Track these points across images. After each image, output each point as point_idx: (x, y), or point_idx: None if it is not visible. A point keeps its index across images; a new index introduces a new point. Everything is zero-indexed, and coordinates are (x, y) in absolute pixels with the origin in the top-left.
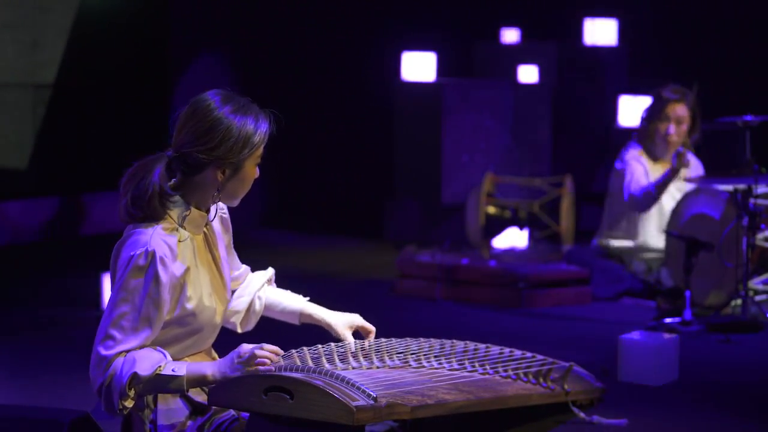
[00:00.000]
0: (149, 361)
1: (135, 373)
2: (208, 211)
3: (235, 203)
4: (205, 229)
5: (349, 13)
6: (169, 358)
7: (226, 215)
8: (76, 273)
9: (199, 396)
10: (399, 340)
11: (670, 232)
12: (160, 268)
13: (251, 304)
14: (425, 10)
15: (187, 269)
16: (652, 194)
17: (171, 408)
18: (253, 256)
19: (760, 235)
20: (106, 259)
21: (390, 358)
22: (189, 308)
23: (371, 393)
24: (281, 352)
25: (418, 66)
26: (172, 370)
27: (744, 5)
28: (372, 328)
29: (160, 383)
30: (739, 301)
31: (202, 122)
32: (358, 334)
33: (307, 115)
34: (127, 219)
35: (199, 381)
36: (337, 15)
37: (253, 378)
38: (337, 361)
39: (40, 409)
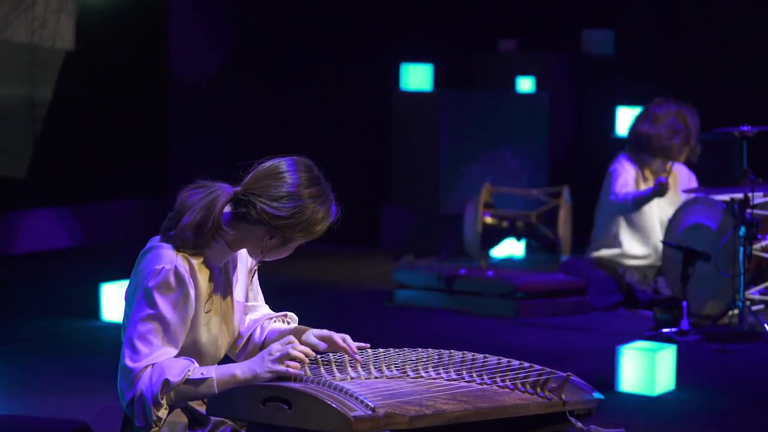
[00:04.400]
0: (177, 368)
1: (166, 380)
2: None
3: (259, 260)
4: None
5: (348, 23)
6: (196, 363)
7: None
8: (75, 283)
9: (199, 406)
10: (397, 350)
11: (667, 242)
12: (189, 286)
13: (251, 334)
14: (423, 21)
15: (201, 294)
16: (629, 204)
17: (170, 418)
18: None
19: (757, 245)
20: (106, 269)
21: (388, 369)
22: (197, 334)
23: (369, 403)
24: (312, 354)
25: (417, 76)
26: (201, 374)
27: (741, 16)
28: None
29: (191, 388)
30: (736, 311)
31: (279, 189)
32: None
33: (305, 125)
34: (179, 241)
35: (229, 381)
36: (336, 25)
37: (251, 388)
38: (335, 371)
39: (40, 420)
